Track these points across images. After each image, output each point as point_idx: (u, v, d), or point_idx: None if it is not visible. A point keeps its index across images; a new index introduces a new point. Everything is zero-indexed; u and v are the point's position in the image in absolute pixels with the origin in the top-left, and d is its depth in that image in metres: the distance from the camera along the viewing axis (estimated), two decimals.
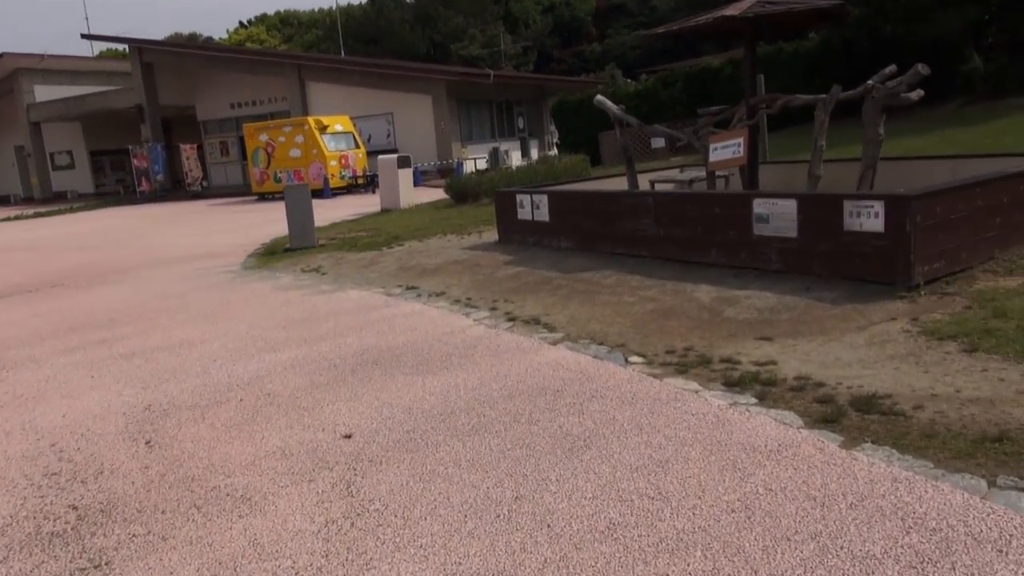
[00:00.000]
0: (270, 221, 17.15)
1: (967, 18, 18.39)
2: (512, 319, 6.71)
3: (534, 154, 32.11)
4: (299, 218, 12.45)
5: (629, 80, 32.55)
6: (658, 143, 25.22)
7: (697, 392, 4.55)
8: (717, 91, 26.21)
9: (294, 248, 12.40)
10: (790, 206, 6.83)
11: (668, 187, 11.09)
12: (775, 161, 11.75)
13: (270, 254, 12.37)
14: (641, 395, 4.59)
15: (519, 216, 10.18)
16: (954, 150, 13.97)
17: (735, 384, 4.62)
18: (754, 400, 4.35)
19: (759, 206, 7.09)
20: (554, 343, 5.88)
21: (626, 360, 5.30)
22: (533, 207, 9.90)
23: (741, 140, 8.47)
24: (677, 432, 4.02)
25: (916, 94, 8.60)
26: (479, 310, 7.16)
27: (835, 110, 8.03)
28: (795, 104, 8.26)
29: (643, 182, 11.01)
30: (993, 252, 6.65)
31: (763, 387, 4.53)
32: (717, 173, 9.24)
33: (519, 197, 10.15)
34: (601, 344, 5.72)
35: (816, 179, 7.96)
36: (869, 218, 6.23)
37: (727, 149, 8.59)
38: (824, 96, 7.78)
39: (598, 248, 9.02)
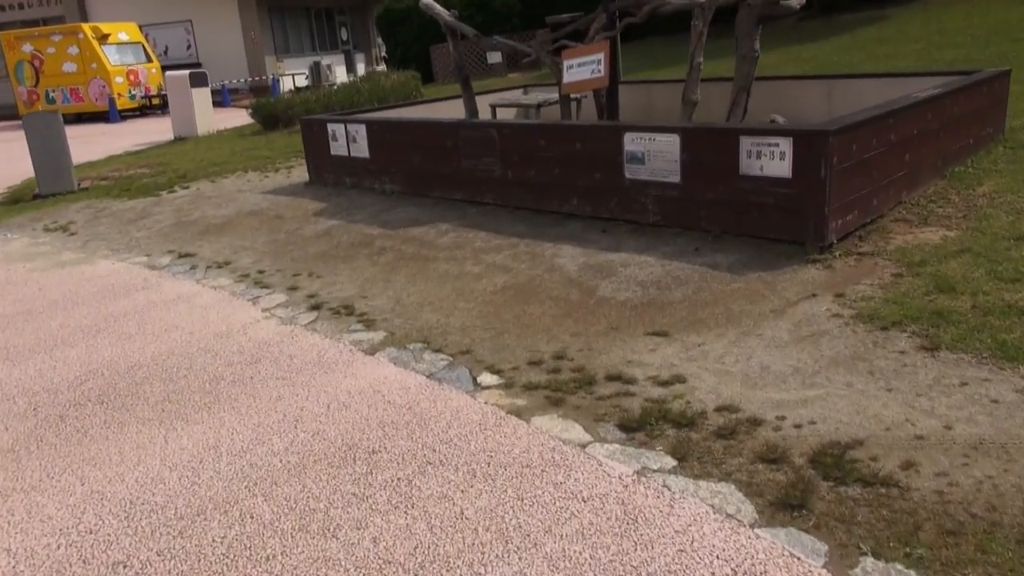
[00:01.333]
0: None
1: None
2: (316, 307, 4.90)
3: (360, 70, 29.27)
4: (49, 156, 9.68)
5: None
6: (495, 58, 23.37)
7: (585, 448, 3.02)
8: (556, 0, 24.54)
9: (44, 194, 9.68)
10: (672, 143, 5.38)
11: (512, 113, 9.42)
12: (631, 81, 10.34)
13: (12, 203, 9.59)
14: (501, 460, 3.00)
15: (333, 151, 8.17)
16: (802, 69, 13.21)
17: (635, 425, 3.14)
18: (671, 462, 2.88)
19: (632, 142, 5.60)
20: (372, 350, 4.17)
21: (474, 381, 3.69)
22: (349, 140, 7.92)
23: (601, 56, 6.89)
24: (567, 551, 2.48)
25: (798, 1, 7.32)
26: (272, 292, 5.28)
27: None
28: (666, 11, 6.76)
29: (482, 106, 9.27)
30: (901, 195, 5.57)
31: (677, 431, 3.08)
32: (571, 96, 7.65)
33: (331, 127, 8.12)
34: (438, 351, 4.07)
35: (692, 105, 6.57)
36: (773, 159, 4.89)
37: (584, 67, 7.00)
38: (702, 0, 6.31)
39: (432, 192, 7.26)
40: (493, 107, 9.23)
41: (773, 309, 4.15)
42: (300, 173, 9.17)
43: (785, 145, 4.81)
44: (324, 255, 5.97)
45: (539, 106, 8.78)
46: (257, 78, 24.19)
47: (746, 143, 4.98)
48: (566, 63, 7.12)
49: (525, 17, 24.71)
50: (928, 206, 5.53)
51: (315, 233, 6.59)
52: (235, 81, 23.78)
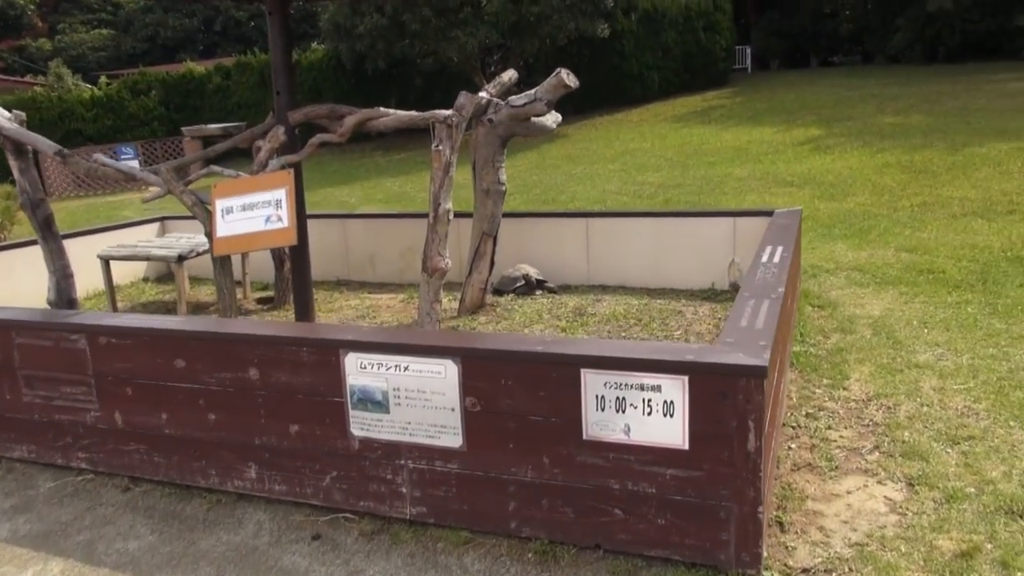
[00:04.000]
0: None
1: (482, 40, 16.93)
2: None
3: None
4: None
5: (84, 84, 25.13)
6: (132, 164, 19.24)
7: None
8: (205, 105, 21.21)
9: None
10: (443, 374, 2.81)
11: (140, 270, 6.19)
12: (314, 215, 7.73)
13: None
14: None
15: None
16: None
17: None
18: None
19: (363, 371, 2.92)
20: None
21: None
22: None
23: (282, 194, 4.19)
24: None
25: (554, 118, 5.37)
26: None
27: (362, 135, 4.31)
28: (379, 126, 4.27)
29: (90, 254, 5.96)
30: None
31: None
32: (220, 263, 4.79)
33: None
34: None
35: (441, 273, 4.10)
36: (650, 414, 2.55)
37: (253, 212, 4.23)
38: (448, 113, 3.95)
39: None
40: (104, 259, 5.93)
41: None
42: None
43: (674, 389, 2.51)
44: None
45: (183, 258, 5.71)
46: None
47: (595, 383, 2.60)
48: (220, 205, 4.28)
49: (170, 121, 20.99)
50: (818, 432, 3.63)
51: None
52: None
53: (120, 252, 5.92)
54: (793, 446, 3.52)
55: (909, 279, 5.88)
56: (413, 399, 2.87)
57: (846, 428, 3.68)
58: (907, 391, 4.01)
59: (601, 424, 2.62)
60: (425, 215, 6.42)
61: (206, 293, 6.81)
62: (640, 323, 5.07)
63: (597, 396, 2.60)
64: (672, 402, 2.52)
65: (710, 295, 5.71)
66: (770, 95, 17.99)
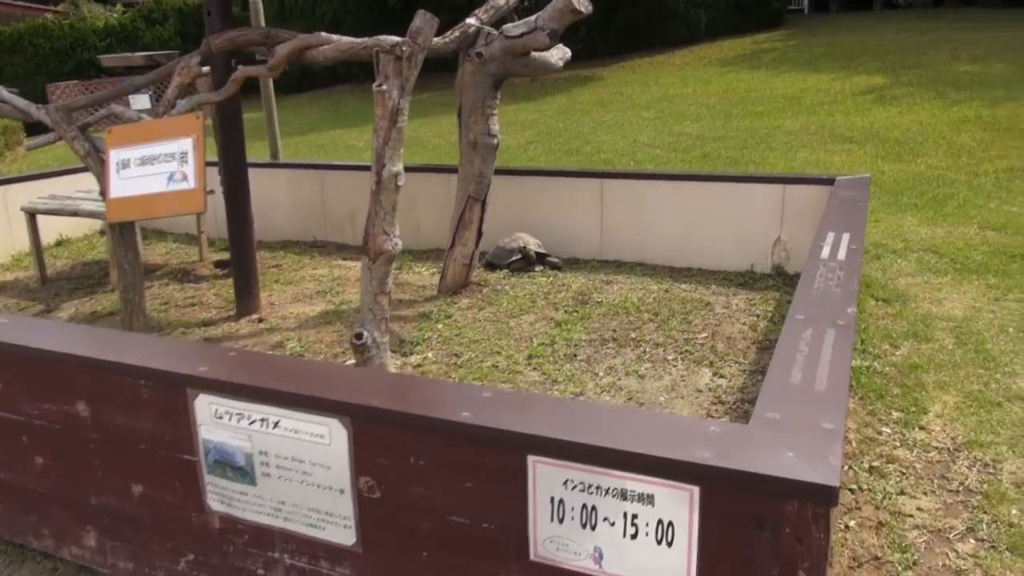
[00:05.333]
0: None
1: None
2: None
3: None
4: None
5: (100, 11, 23.97)
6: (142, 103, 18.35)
7: None
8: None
9: None
10: (325, 439, 1.84)
11: (69, 226, 5.30)
12: (293, 165, 6.81)
13: None
14: None
15: None
16: (525, 137, 10.65)
17: None
18: None
19: (220, 423, 1.97)
20: None
21: None
22: None
23: (189, 144, 3.21)
24: None
25: (560, 54, 4.32)
26: None
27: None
28: (316, 58, 3.23)
29: (14, 204, 5.12)
30: None
31: None
32: (119, 230, 3.84)
33: None
34: None
35: (388, 256, 3.08)
36: (633, 536, 1.56)
37: (153, 168, 3.26)
38: (397, 40, 2.88)
39: None
40: (29, 213, 5.04)
41: None
42: None
43: (675, 504, 1.51)
44: None
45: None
46: None
47: (550, 480, 1.61)
48: (114, 156, 3.32)
49: (185, 54, 20.01)
50: (887, 500, 2.62)
51: None
52: None
53: (47, 205, 5.03)
54: (852, 524, 2.52)
55: (999, 267, 4.74)
56: (287, 470, 1.92)
57: (926, 494, 2.66)
58: (1010, 438, 2.95)
59: (559, 542, 1.64)
60: (418, 167, 5.44)
61: (160, 252, 5.93)
62: (656, 318, 4.04)
63: (553, 500, 1.62)
64: (672, 524, 1.53)
65: (747, 280, 4.64)
66: (829, 39, 16.36)
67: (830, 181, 4.44)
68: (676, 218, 4.90)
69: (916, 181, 6.80)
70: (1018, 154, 7.34)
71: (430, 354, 3.72)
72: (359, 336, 3.04)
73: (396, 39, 2.82)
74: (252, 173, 4.26)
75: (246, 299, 4.30)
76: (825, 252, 2.87)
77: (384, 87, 2.79)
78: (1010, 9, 18.70)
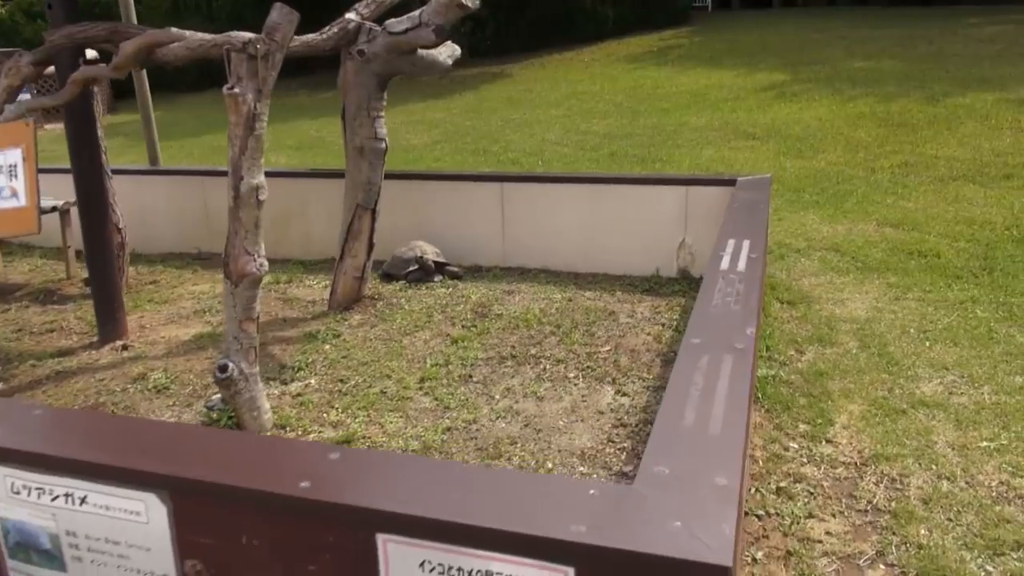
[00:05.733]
0: None
1: None
2: None
3: None
4: None
5: None
6: None
7: None
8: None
9: None
10: (141, 514, 1.54)
11: None
12: (173, 170, 6.34)
13: None
14: None
15: None
16: (431, 136, 10.37)
17: None
18: None
19: (9, 500, 1.63)
20: None
21: None
22: None
23: (19, 155, 2.80)
24: None
25: (449, 52, 4.06)
26: None
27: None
28: (167, 57, 2.87)
29: None
30: None
31: None
32: None
33: None
34: None
35: (252, 280, 2.76)
36: None
37: None
38: (250, 37, 2.56)
39: None
40: None
41: None
42: None
43: None
44: None
45: None
46: None
47: (403, 561, 1.35)
48: None
49: None
50: (795, 525, 2.47)
51: None
52: None
53: None
54: (760, 555, 2.36)
55: (898, 264, 4.74)
56: (101, 552, 1.60)
57: (835, 516, 2.54)
58: (916, 450, 2.87)
59: None
60: (308, 173, 5.06)
61: (22, 271, 5.38)
62: (558, 331, 3.84)
63: None
64: None
65: (653, 286, 4.50)
66: (731, 36, 16.64)
67: (731, 182, 4.33)
68: (580, 222, 4.72)
69: (817, 178, 6.84)
70: (911, 149, 7.51)
71: (313, 380, 3.41)
72: (223, 368, 2.71)
73: (249, 36, 2.50)
74: (128, 180, 3.88)
75: (109, 324, 3.88)
76: (725, 262, 2.71)
77: (236, 90, 2.47)
78: (899, 7, 19.48)
